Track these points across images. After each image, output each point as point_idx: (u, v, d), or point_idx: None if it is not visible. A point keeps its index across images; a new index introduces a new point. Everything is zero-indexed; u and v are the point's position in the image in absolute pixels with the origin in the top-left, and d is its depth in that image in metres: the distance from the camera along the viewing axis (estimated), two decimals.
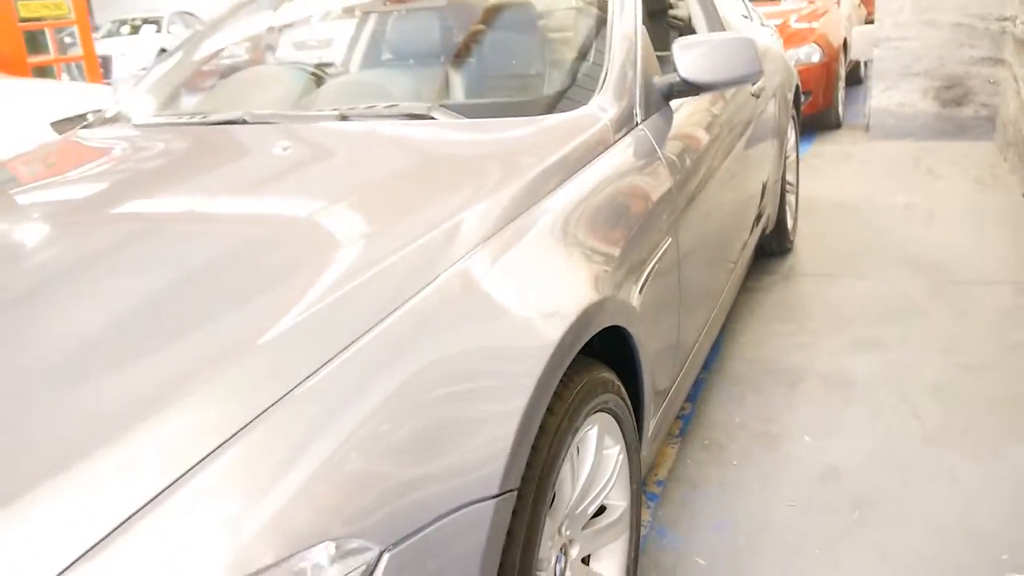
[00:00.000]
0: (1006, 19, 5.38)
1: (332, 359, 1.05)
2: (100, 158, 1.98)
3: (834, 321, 3.15)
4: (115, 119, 2.38)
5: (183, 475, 0.91)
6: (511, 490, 1.08)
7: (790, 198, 3.93)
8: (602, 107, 1.85)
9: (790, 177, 3.92)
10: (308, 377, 1.02)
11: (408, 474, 0.99)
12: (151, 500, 0.89)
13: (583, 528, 1.50)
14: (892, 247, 3.87)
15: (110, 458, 0.93)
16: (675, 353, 1.94)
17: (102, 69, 9.99)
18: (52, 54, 8.22)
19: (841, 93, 6.64)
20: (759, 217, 3.13)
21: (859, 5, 8.28)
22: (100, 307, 1.22)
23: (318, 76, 2.47)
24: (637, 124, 1.92)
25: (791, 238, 3.92)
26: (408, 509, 0.97)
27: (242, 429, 0.95)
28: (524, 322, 1.24)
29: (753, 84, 2.87)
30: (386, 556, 0.94)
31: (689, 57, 1.99)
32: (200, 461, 0.92)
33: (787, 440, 2.41)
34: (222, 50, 2.64)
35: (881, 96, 5.91)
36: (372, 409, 1.01)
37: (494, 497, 1.05)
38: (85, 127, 2.37)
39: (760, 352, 2.96)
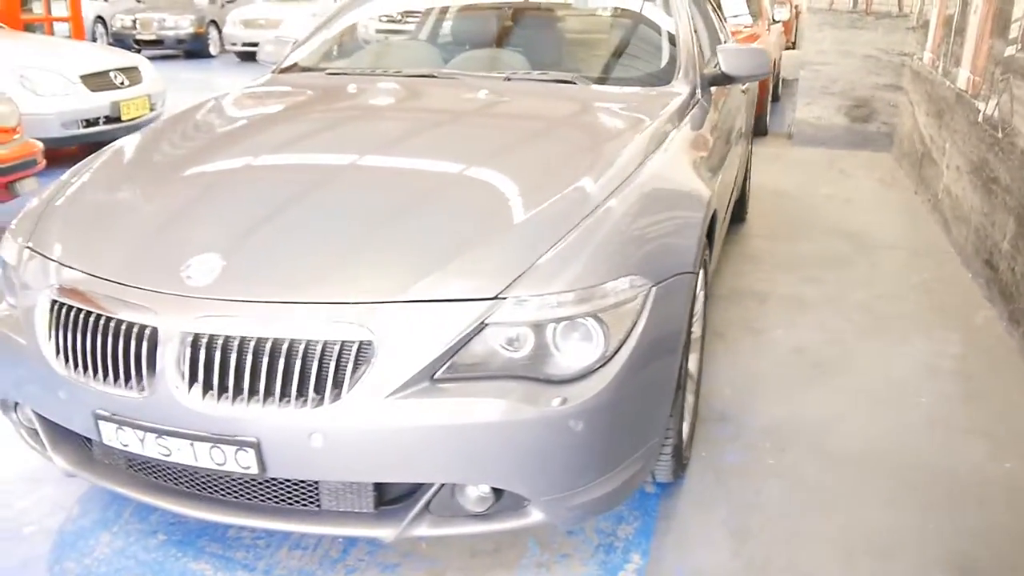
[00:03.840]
0: (905, 54, 6.71)
1: (606, 199, 1.98)
2: (337, 92, 2.83)
3: (785, 266, 4.24)
4: (298, 69, 3.19)
5: (550, 248, 1.80)
6: (693, 272, 2.04)
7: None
8: (681, 85, 2.83)
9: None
10: (591, 212, 1.93)
11: (660, 265, 1.92)
12: (534, 262, 1.77)
13: None
14: (820, 222, 5.02)
15: (516, 237, 1.84)
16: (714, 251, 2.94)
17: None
18: (43, 13, 8.61)
19: (769, 106, 7.87)
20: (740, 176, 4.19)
21: (781, 33, 9.61)
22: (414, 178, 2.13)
23: (451, 49, 3.34)
24: (698, 99, 2.91)
25: (747, 210, 5.01)
26: (660, 268, 1.91)
27: (574, 228, 1.87)
28: (692, 188, 2.22)
29: (744, 84, 3.91)
30: (654, 289, 1.87)
31: (728, 58, 2.99)
32: (554, 244, 1.82)
33: (765, 332, 3.45)
34: (362, 23, 3.51)
35: (803, 110, 7.17)
36: (628, 224, 1.94)
37: (690, 272, 2.01)
38: (283, 71, 3.17)
39: (735, 283, 4.01)
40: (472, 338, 1.68)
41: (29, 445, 2.15)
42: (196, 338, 1.68)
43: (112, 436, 1.79)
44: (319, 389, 1.65)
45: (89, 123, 6.20)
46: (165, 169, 2.27)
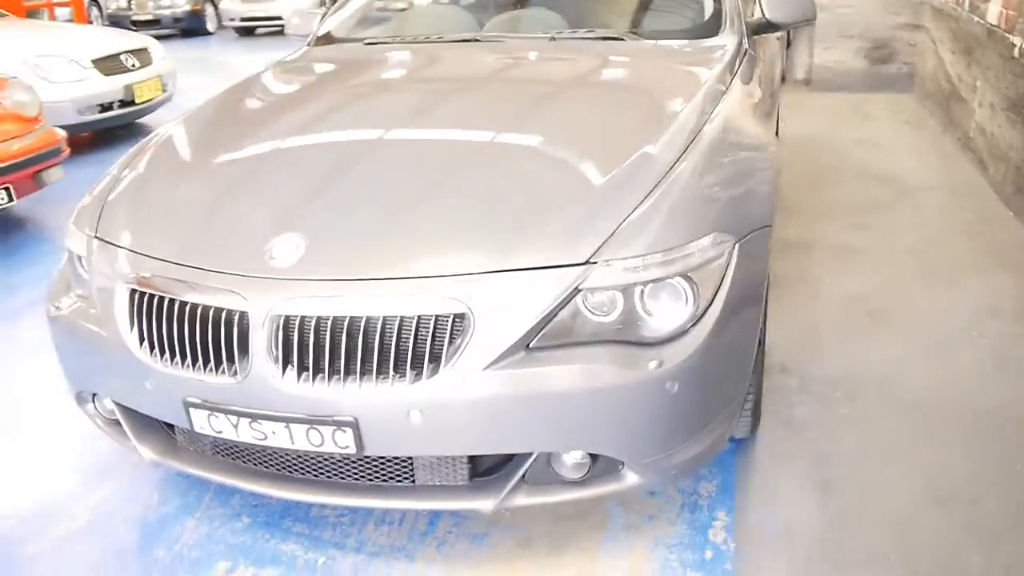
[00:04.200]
0: None
1: (680, 158, 1.93)
2: (383, 63, 2.79)
3: (825, 214, 4.19)
4: (332, 40, 3.13)
5: (632, 210, 1.77)
6: (769, 225, 2.01)
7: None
8: (729, 36, 2.77)
9: None
10: (667, 172, 1.89)
11: (741, 221, 1.89)
12: (619, 225, 1.74)
13: None
14: (852, 167, 4.96)
15: (602, 195, 1.81)
16: None
17: None
18: None
19: (785, 52, 7.74)
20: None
21: None
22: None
23: (484, 11, 3.27)
24: (746, 49, 2.84)
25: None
26: (741, 223, 1.88)
27: (653, 189, 1.83)
28: (760, 142, 2.18)
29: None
30: (737, 245, 1.84)
31: (772, 4, 2.92)
32: (636, 206, 1.78)
33: (816, 281, 3.42)
34: None
35: (822, 54, 7.05)
36: (706, 182, 1.91)
37: (766, 227, 1.98)
38: (318, 44, 3.10)
39: (778, 233, 3.93)
40: (566, 304, 1.66)
41: (109, 436, 2.14)
42: (287, 320, 1.66)
43: (204, 423, 1.78)
44: (416, 364, 1.64)
45: (104, 108, 6.14)
46: (227, 150, 2.23)
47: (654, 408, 1.71)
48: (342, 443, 1.69)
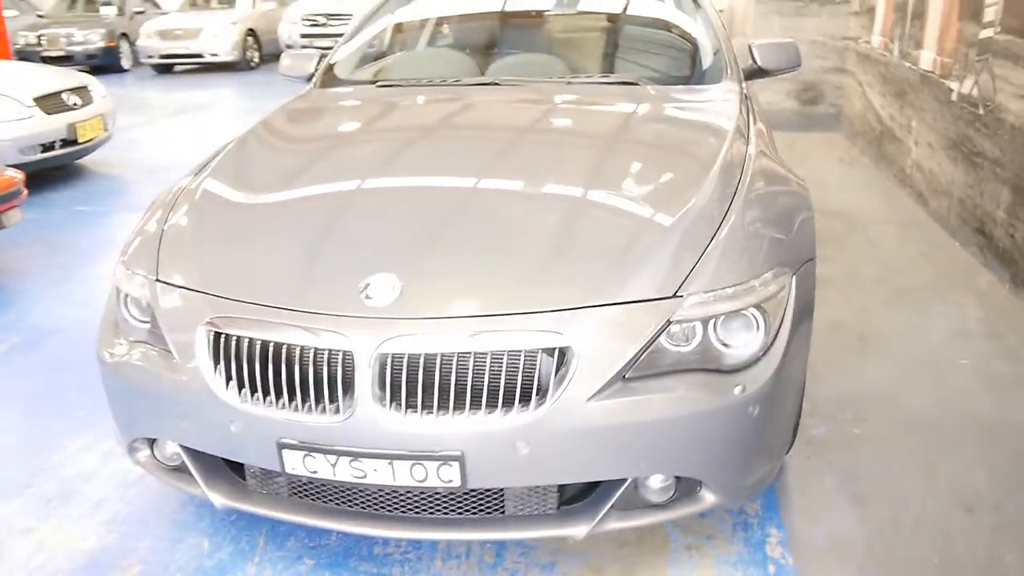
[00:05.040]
0: (849, 39, 7.08)
1: (734, 197, 2.07)
2: (412, 105, 2.86)
3: None
4: (338, 82, 3.17)
5: (706, 247, 1.89)
6: (814, 258, 2.17)
7: None
8: (731, 82, 2.96)
9: None
10: (727, 212, 2.02)
11: (795, 254, 2.03)
12: (697, 261, 1.85)
13: None
14: None
15: (683, 226, 1.92)
16: None
17: None
18: None
19: None
20: None
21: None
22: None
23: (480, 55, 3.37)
24: (744, 93, 3.04)
25: None
26: (796, 256, 2.03)
27: (718, 229, 1.95)
28: (793, 178, 2.34)
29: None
30: (794, 277, 1.98)
31: (764, 52, 3.15)
32: (708, 243, 1.90)
33: None
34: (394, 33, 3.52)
35: (757, 94, 7.46)
36: (763, 219, 2.05)
37: (811, 260, 2.13)
38: (323, 86, 3.14)
39: None
40: (659, 336, 1.76)
41: (167, 483, 2.10)
42: (393, 358, 1.69)
43: (297, 464, 1.78)
44: (523, 398, 1.69)
45: (45, 148, 5.93)
46: (286, 192, 2.24)
47: (738, 431, 1.81)
48: (446, 477, 1.73)
